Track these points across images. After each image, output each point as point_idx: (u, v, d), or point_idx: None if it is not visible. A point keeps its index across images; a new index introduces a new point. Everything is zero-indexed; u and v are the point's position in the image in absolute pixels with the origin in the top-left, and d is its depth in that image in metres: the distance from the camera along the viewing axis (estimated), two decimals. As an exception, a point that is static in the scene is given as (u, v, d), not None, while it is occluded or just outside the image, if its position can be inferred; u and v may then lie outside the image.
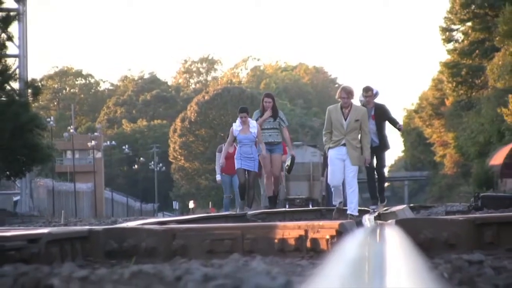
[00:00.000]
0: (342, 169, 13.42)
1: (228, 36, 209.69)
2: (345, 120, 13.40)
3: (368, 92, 16.03)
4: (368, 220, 8.78)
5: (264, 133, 17.66)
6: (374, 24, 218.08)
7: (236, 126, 18.43)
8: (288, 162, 18.26)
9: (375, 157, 15.89)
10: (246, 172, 18.28)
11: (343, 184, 13.91)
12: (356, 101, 14.70)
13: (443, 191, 67.44)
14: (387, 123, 16.44)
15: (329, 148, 13.60)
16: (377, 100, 16.35)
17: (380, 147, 16.07)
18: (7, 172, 32.63)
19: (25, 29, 37.18)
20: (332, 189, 13.88)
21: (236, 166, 18.41)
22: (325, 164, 21.28)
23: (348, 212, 13.24)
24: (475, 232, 6.84)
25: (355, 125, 13.44)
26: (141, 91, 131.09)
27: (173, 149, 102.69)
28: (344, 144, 13.38)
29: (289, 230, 7.23)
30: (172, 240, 7.15)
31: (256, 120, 17.86)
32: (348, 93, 13.68)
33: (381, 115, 16.07)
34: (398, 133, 16.66)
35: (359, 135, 13.71)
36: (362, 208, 15.60)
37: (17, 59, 35.66)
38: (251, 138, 18.14)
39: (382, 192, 16.71)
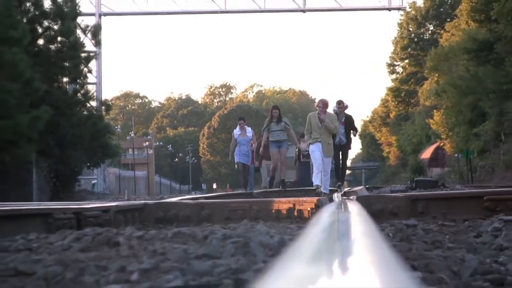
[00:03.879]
0: (320, 157, 13.13)
1: (240, 69, 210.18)
2: (321, 123, 13.19)
3: (340, 104, 15.79)
4: (337, 196, 8.75)
5: (273, 133, 16.93)
6: (342, 61, 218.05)
7: (236, 131, 18.40)
8: (296, 152, 18.06)
9: (340, 152, 15.79)
10: (244, 165, 18.23)
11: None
12: (330, 110, 14.50)
13: (388, 177, 67.16)
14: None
15: (310, 143, 13.35)
16: (347, 111, 16.18)
17: (346, 145, 15.94)
18: (88, 164, 32.73)
19: (100, 64, 37.20)
20: (314, 172, 13.58)
21: (236, 160, 18.35)
22: (298, 158, 21.04)
23: (323, 191, 13.09)
24: (411, 205, 6.82)
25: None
26: (180, 107, 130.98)
27: (202, 148, 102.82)
28: (320, 141, 13.21)
29: (282, 204, 7.22)
30: (202, 210, 7.15)
31: (265, 125, 17.17)
32: (324, 104, 13.56)
33: (348, 123, 15.95)
34: (356, 136, 16.50)
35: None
36: (332, 188, 15.53)
37: (94, 85, 35.68)
38: (247, 140, 18.12)
39: (343, 176, 16.56)
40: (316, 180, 13.24)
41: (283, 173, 17.47)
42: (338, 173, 16.14)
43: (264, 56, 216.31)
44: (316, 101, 14.67)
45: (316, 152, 13.24)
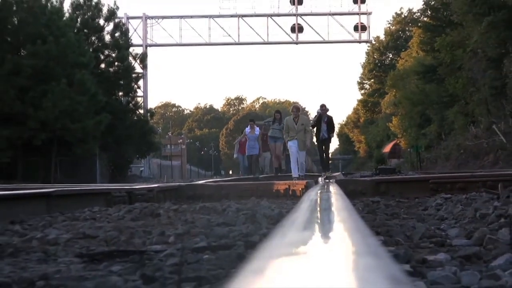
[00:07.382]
0: (296, 151, 12.44)
1: (249, 85, 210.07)
2: (296, 125, 12.55)
3: (323, 107, 15.11)
4: (321, 180, 8.73)
5: (273, 131, 16.03)
6: (325, 80, 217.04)
7: (247, 129, 18.38)
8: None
9: (323, 145, 15.16)
10: (252, 156, 18.12)
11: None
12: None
13: (359, 166, 66.77)
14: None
15: (288, 140, 12.68)
16: (328, 112, 15.64)
17: (327, 140, 15.47)
18: (137, 155, 32.83)
19: (146, 82, 37.02)
20: (292, 165, 12.92)
21: (247, 153, 18.23)
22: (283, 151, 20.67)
23: (299, 173, 12.20)
24: (376, 186, 6.81)
25: (301, 127, 12.51)
26: (205, 114, 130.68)
27: (221, 144, 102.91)
28: (296, 139, 12.48)
29: (280, 185, 7.22)
30: (221, 190, 7.14)
31: (269, 123, 16.71)
32: (297, 109, 12.92)
33: (329, 122, 15.45)
34: (334, 135, 16.17)
35: (305, 133, 12.68)
36: (317, 174, 15.34)
37: (142, 98, 35.60)
38: (255, 136, 17.99)
39: (327, 165, 16.26)
40: (294, 173, 12.32)
41: (276, 161, 17.34)
42: (322, 162, 15.83)
43: (267, 76, 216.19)
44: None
45: (292, 147, 12.52)
